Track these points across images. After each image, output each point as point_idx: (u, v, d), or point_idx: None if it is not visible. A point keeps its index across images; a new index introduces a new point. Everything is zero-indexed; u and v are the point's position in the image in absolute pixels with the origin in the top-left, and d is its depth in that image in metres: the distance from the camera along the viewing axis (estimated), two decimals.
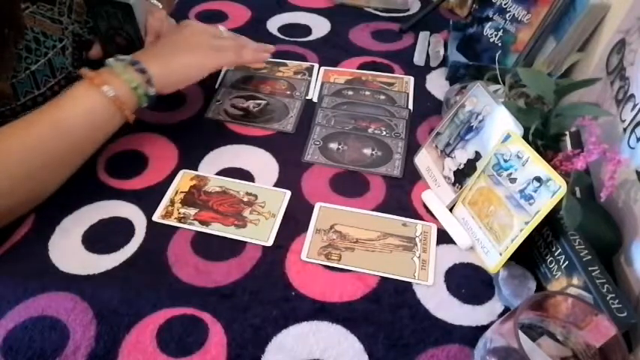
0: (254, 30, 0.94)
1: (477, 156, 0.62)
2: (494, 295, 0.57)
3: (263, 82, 0.82)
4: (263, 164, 0.70)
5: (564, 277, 0.54)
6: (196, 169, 0.69)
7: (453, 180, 0.64)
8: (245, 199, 0.65)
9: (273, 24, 0.96)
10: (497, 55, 0.77)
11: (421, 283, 0.57)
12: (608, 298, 0.50)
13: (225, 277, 0.57)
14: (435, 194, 0.66)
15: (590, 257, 0.53)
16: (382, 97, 0.81)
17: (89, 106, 0.59)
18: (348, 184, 0.68)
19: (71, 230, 0.60)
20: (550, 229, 0.56)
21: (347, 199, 0.66)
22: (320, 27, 0.95)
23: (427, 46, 0.91)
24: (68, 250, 0.58)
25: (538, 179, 0.54)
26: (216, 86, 0.81)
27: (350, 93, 0.81)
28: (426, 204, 0.65)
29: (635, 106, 0.59)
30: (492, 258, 0.58)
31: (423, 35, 0.93)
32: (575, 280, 0.52)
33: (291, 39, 0.92)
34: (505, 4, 0.80)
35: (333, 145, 0.73)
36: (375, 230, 0.62)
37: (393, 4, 1.00)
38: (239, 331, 0.52)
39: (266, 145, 0.72)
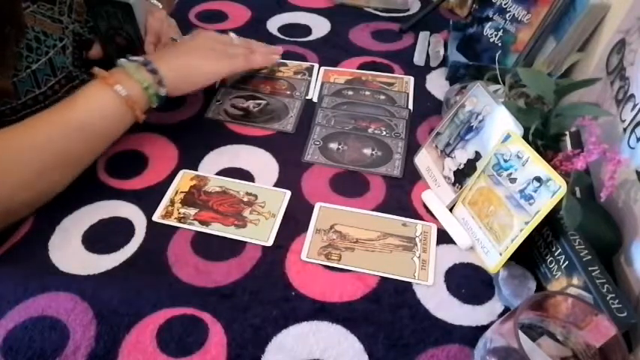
0: (254, 30, 0.94)
1: (477, 156, 0.62)
2: (494, 295, 0.57)
3: (263, 82, 0.82)
4: (263, 164, 0.70)
5: (564, 277, 0.54)
6: (196, 169, 0.69)
7: (453, 180, 0.64)
8: (245, 199, 0.65)
9: (273, 24, 0.96)
10: (497, 55, 0.77)
11: (421, 283, 0.57)
12: (608, 298, 0.50)
13: (225, 277, 0.57)
14: (435, 194, 0.66)
15: (590, 257, 0.53)
16: (382, 97, 0.81)
17: (102, 105, 0.61)
18: (348, 184, 0.68)
19: (71, 230, 0.60)
20: (550, 229, 0.56)
21: (347, 199, 0.66)
22: (320, 27, 0.95)
23: (427, 46, 0.91)
24: (68, 250, 0.58)
25: (538, 179, 0.54)
26: (216, 86, 0.81)
27: (350, 93, 0.81)
28: (426, 204, 0.65)
29: (635, 106, 0.59)
30: (492, 258, 0.58)
31: (423, 35, 0.93)
32: (575, 280, 0.52)
33: (291, 39, 0.92)
34: (505, 4, 0.80)
35: (333, 145, 0.73)
36: (375, 230, 0.62)
37: (393, 4, 1.00)
38: (239, 331, 0.52)
39: (266, 145, 0.72)
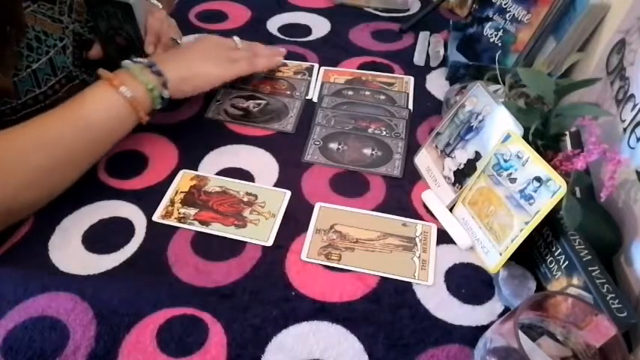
0: (254, 30, 0.94)
1: (477, 156, 0.62)
2: (494, 295, 0.57)
3: (263, 82, 0.82)
4: (263, 164, 0.70)
5: (564, 277, 0.54)
6: (196, 169, 0.69)
7: (453, 180, 0.64)
8: (245, 199, 0.65)
9: (273, 24, 0.96)
10: (497, 55, 0.77)
11: (421, 283, 0.57)
12: (608, 298, 0.50)
13: (225, 277, 0.57)
14: (435, 194, 0.66)
15: (590, 257, 0.53)
16: (382, 97, 0.81)
17: (108, 106, 0.61)
18: (348, 184, 0.68)
19: (71, 230, 0.60)
20: (550, 229, 0.56)
21: (347, 199, 0.66)
22: (320, 27, 0.95)
23: (427, 46, 0.91)
24: (68, 250, 0.58)
25: (538, 179, 0.54)
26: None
27: (350, 93, 0.81)
28: (426, 204, 0.65)
29: (635, 106, 0.59)
30: (492, 258, 0.58)
31: (423, 35, 0.93)
32: (575, 280, 0.52)
33: (291, 39, 0.92)
34: (505, 4, 0.80)
35: (333, 145, 0.73)
36: (375, 230, 0.62)
37: (393, 4, 1.00)
38: (239, 331, 0.52)
39: (266, 145, 0.72)
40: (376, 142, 0.73)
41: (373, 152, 0.72)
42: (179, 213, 0.63)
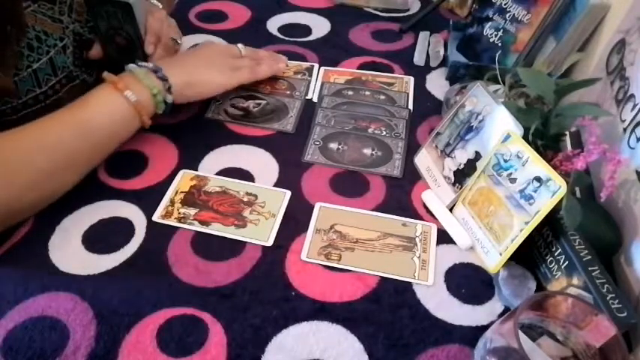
0: (254, 30, 0.94)
1: (477, 156, 0.62)
2: (494, 295, 0.57)
3: (263, 82, 0.82)
4: (263, 164, 0.70)
5: (564, 277, 0.54)
6: (196, 169, 0.69)
7: (453, 180, 0.64)
8: (245, 199, 0.65)
9: (273, 24, 0.96)
10: (497, 55, 0.77)
11: (421, 283, 0.57)
12: (608, 298, 0.50)
13: (225, 277, 0.57)
14: (435, 194, 0.66)
15: (590, 257, 0.53)
16: (382, 97, 0.81)
17: (112, 110, 0.62)
18: (348, 184, 0.68)
19: (71, 230, 0.60)
20: (550, 229, 0.56)
21: (347, 199, 0.66)
22: (320, 27, 0.95)
23: (427, 46, 0.91)
24: (68, 250, 0.58)
25: (538, 179, 0.54)
26: None
27: (350, 93, 0.81)
28: (426, 204, 0.65)
29: (635, 106, 0.59)
30: (492, 258, 0.58)
31: (423, 35, 0.93)
32: (575, 280, 0.52)
33: (291, 39, 0.92)
34: (505, 4, 0.80)
35: (333, 145, 0.73)
36: (375, 230, 0.62)
37: (393, 4, 1.00)
38: (239, 331, 0.52)
39: (266, 145, 0.72)
40: (376, 142, 0.73)
41: (373, 152, 0.72)
42: (179, 213, 0.63)
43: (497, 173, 0.58)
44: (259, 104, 0.79)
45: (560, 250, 0.54)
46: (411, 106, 0.80)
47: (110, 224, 0.62)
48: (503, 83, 0.68)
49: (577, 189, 0.61)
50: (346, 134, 0.74)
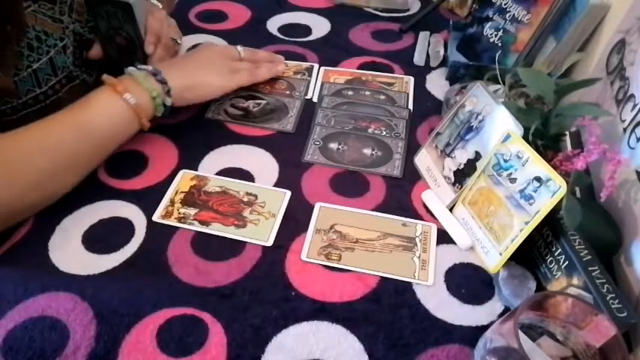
0: (254, 30, 0.94)
1: (477, 156, 0.62)
2: (494, 295, 0.57)
3: (263, 82, 0.82)
4: (263, 164, 0.70)
5: (564, 277, 0.54)
6: (196, 169, 0.69)
7: (453, 180, 0.64)
8: (245, 199, 0.65)
9: (273, 24, 0.96)
10: (497, 55, 0.77)
11: (421, 283, 0.57)
12: (608, 298, 0.50)
13: (225, 277, 0.57)
14: (435, 194, 0.66)
15: (590, 257, 0.53)
16: (382, 97, 0.81)
17: (111, 112, 0.62)
18: (348, 184, 0.68)
19: (71, 230, 0.60)
20: (550, 229, 0.56)
21: (347, 199, 0.66)
22: (320, 27, 0.95)
23: (427, 46, 0.91)
24: (68, 250, 0.58)
25: (538, 179, 0.54)
26: None
27: (350, 93, 0.81)
28: (426, 204, 0.65)
29: (635, 106, 0.59)
30: (492, 258, 0.58)
31: (423, 35, 0.93)
32: (575, 280, 0.52)
33: (291, 39, 0.92)
34: (505, 4, 0.80)
35: (333, 145, 0.73)
36: (375, 230, 0.62)
37: (393, 4, 1.00)
38: (239, 331, 0.52)
39: (266, 145, 0.72)
40: (376, 142, 0.73)
41: (373, 152, 0.72)
42: (179, 213, 0.63)
43: (497, 173, 0.58)
44: (259, 104, 0.79)
45: (560, 250, 0.54)
46: (411, 106, 0.80)
47: (110, 224, 0.62)
48: (504, 83, 0.68)
49: (577, 189, 0.61)
50: (346, 134, 0.74)
